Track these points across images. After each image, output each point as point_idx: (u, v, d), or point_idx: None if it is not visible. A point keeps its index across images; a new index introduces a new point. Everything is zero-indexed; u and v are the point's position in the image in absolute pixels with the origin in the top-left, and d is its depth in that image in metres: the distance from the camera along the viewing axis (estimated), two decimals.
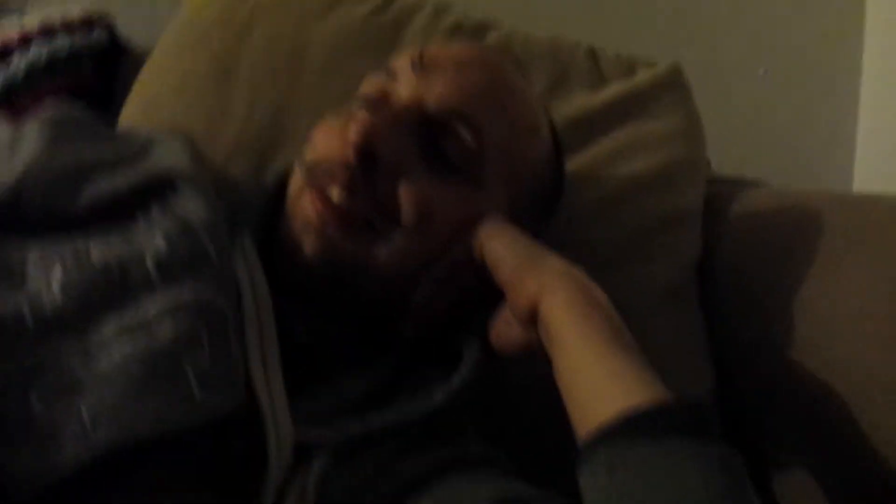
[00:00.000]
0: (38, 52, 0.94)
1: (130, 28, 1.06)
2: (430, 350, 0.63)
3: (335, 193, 0.57)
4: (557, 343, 0.51)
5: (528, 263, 0.55)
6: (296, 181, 0.62)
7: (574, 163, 0.79)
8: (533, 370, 0.57)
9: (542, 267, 0.54)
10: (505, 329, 0.58)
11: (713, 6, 1.32)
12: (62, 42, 0.96)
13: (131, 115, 0.84)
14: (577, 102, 0.85)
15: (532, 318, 0.54)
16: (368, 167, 0.57)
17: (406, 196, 0.58)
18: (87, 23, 1.01)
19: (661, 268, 0.75)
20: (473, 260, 0.59)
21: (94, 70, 0.97)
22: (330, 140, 0.60)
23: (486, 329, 0.60)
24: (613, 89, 0.87)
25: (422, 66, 0.62)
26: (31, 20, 0.99)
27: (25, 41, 0.96)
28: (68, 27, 0.99)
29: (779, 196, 0.78)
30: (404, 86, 0.61)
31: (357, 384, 0.59)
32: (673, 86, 0.88)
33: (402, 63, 0.63)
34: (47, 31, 0.97)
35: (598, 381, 0.48)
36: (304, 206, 0.59)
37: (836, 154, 1.32)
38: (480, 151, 0.60)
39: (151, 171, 0.59)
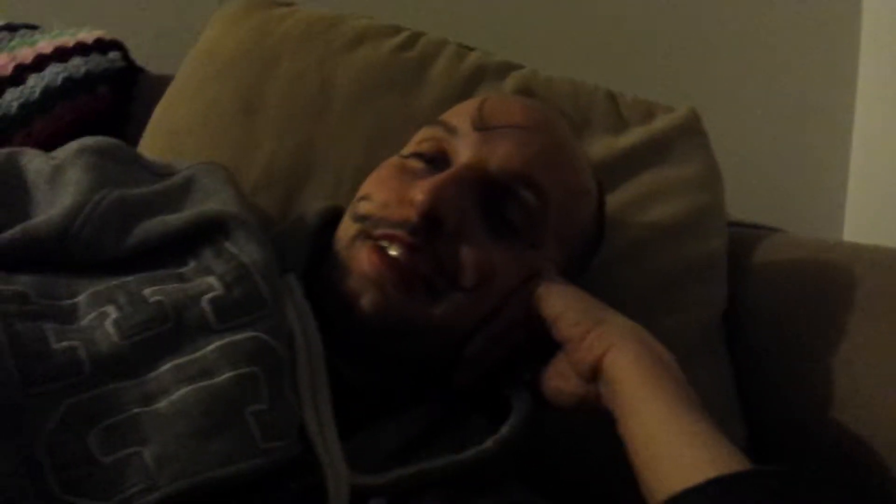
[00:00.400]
0: (53, 73, 0.93)
1: (140, 51, 1.06)
2: (477, 397, 0.63)
3: (396, 250, 0.57)
4: (626, 401, 0.52)
5: (590, 320, 0.56)
6: (347, 230, 0.61)
7: None
8: (576, 420, 0.57)
9: (606, 324, 0.55)
10: (560, 382, 0.59)
11: (713, 50, 1.34)
12: (77, 64, 0.95)
13: (155, 143, 0.83)
14: (599, 147, 0.86)
15: (594, 374, 0.54)
16: (432, 229, 0.57)
17: (467, 259, 0.58)
18: (101, 45, 1.00)
19: (690, 317, 0.76)
20: (528, 315, 0.60)
21: (110, 92, 0.97)
22: (388, 195, 0.60)
23: (538, 380, 0.61)
24: (634, 134, 0.88)
25: (483, 125, 0.62)
26: (45, 42, 0.98)
27: (40, 63, 0.94)
28: (83, 49, 0.98)
29: (803, 245, 0.80)
30: (466, 146, 0.62)
31: (405, 428, 0.59)
32: (692, 131, 0.89)
33: (461, 120, 0.63)
34: (62, 53, 0.96)
35: (676, 445, 0.48)
36: (360, 259, 0.58)
37: (825, 199, 1.36)
38: (542, 214, 0.61)
39: (204, 213, 0.59)
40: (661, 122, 0.89)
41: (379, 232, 0.58)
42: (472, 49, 0.94)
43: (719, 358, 0.78)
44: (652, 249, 0.79)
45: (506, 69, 0.92)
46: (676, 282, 0.78)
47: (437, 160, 0.62)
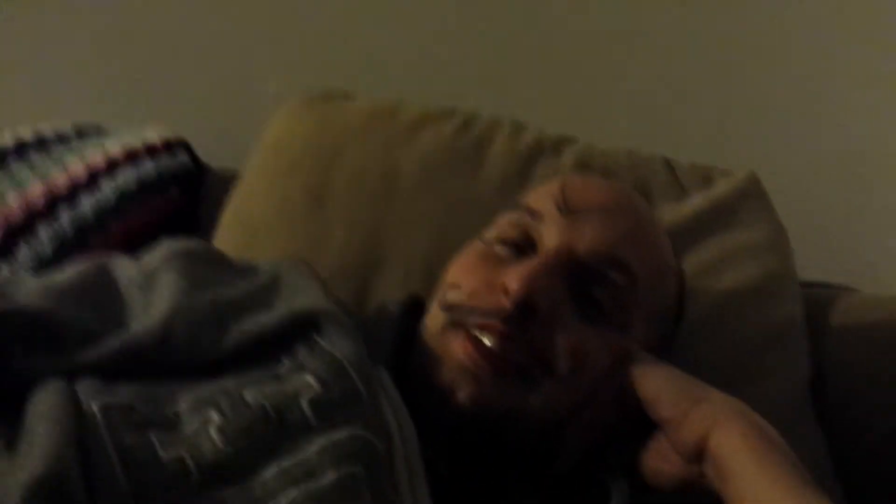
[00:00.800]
0: (126, 177, 0.96)
1: (200, 148, 1.09)
2: (574, 484, 0.63)
3: (490, 339, 0.58)
4: (738, 483, 0.51)
5: (689, 399, 0.56)
6: (436, 320, 0.62)
7: None
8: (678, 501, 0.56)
9: (707, 402, 0.55)
10: (661, 464, 0.59)
11: (767, 109, 1.34)
12: (148, 166, 0.98)
13: (231, 241, 0.86)
14: (662, 216, 0.87)
15: (699, 455, 0.54)
16: (526, 317, 0.58)
17: (561, 345, 0.58)
18: (169, 146, 1.03)
19: (774, 385, 0.76)
20: (622, 397, 0.60)
21: (180, 192, 0.99)
22: (477, 283, 0.61)
23: (636, 462, 0.60)
24: (696, 202, 0.88)
25: (567, 209, 0.63)
26: (113, 146, 1.01)
27: (112, 167, 0.97)
28: (151, 151, 1.01)
29: (880, 303, 0.79)
30: (552, 231, 0.62)
31: None
32: (753, 195, 0.90)
33: (545, 205, 0.64)
34: (132, 156, 0.99)
35: None
36: (454, 349, 0.59)
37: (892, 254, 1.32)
38: (631, 294, 0.62)
39: (296, 311, 0.60)
40: (721, 188, 0.90)
41: (471, 321, 0.59)
42: (526, 126, 0.96)
43: (810, 426, 0.77)
44: (727, 318, 0.79)
45: (561, 143, 0.94)
46: (757, 350, 0.77)
47: (523, 245, 0.63)
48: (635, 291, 0.62)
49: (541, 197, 0.66)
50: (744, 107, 1.31)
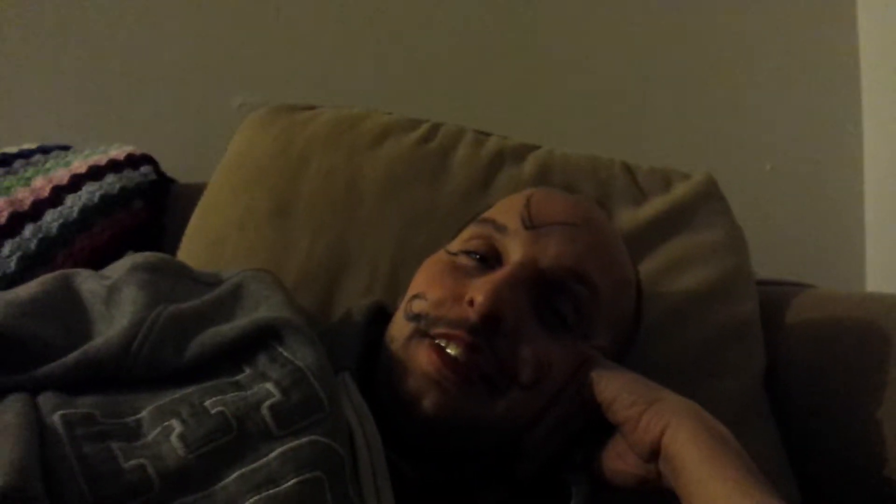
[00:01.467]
0: (90, 192, 0.96)
1: (167, 162, 1.10)
2: (537, 485, 0.64)
3: (455, 350, 0.58)
4: (688, 478, 0.52)
5: (644, 400, 0.58)
6: (401, 329, 0.63)
7: None
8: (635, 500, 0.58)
9: (661, 402, 0.57)
10: (619, 464, 0.60)
11: (715, 107, 1.37)
12: (111, 181, 0.99)
13: (194, 252, 0.86)
14: (622, 220, 0.89)
15: (654, 453, 0.55)
16: (491, 328, 0.59)
17: (526, 356, 0.60)
18: (133, 160, 1.04)
19: (731, 383, 0.77)
20: (582, 402, 0.61)
21: (144, 205, 1.00)
22: (442, 293, 0.62)
23: (596, 463, 0.62)
24: (655, 204, 0.90)
25: (532, 224, 0.64)
26: (79, 162, 1.02)
27: (76, 183, 0.98)
28: (115, 166, 1.01)
29: (834, 299, 0.81)
30: (517, 245, 0.64)
31: None
32: (710, 196, 0.92)
33: (509, 218, 0.65)
34: (96, 172, 0.99)
35: None
36: (419, 358, 0.60)
37: (845, 249, 1.36)
38: (593, 305, 0.63)
39: (257, 321, 0.60)
40: (679, 190, 0.92)
41: (436, 331, 0.60)
42: (489, 134, 0.98)
43: (765, 419, 0.79)
44: (686, 317, 0.80)
45: (524, 151, 0.96)
46: (715, 347, 0.79)
47: (488, 258, 0.64)
48: (597, 302, 0.64)
49: (506, 210, 0.67)
50: (701, 111, 1.34)
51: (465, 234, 0.68)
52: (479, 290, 0.59)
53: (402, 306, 0.65)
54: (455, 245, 0.68)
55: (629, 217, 0.89)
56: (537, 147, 0.97)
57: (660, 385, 0.59)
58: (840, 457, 0.71)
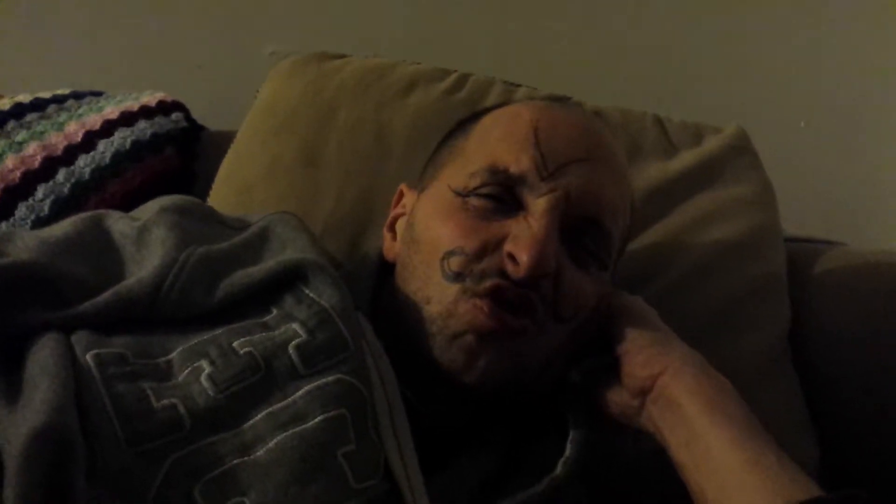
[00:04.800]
0: (122, 138, 0.97)
1: (198, 110, 1.11)
2: (538, 418, 0.66)
3: (505, 300, 0.59)
4: (687, 427, 0.54)
5: (649, 339, 0.60)
6: (443, 294, 0.61)
7: (657, 233, 0.82)
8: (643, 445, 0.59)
9: (666, 346, 0.58)
10: (611, 394, 0.62)
11: (750, 63, 1.35)
12: (143, 127, 1.00)
13: (223, 199, 0.87)
14: (652, 173, 0.88)
15: (643, 391, 0.57)
16: (537, 279, 0.60)
17: (566, 292, 0.61)
18: (164, 107, 1.05)
19: (756, 337, 0.77)
20: (596, 330, 0.64)
21: (175, 152, 1.01)
22: (478, 245, 0.61)
23: (593, 394, 0.64)
24: (685, 157, 0.89)
25: (548, 173, 0.63)
26: (111, 108, 1.03)
27: (108, 128, 0.99)
28: (147, 112, 1.02)
29: (864, 258, 0.80)
30: (537, 194, 0.62)
31: (480, 461, 0.61)
32: (741, 150, 0.91)
33: (523, 165, 0.63)
34: (128, 118, 1.01)
35: (738, 470, 0.50)
36: (475, 318, 0.59)
37: (879, 208, 1.34)
38: (613, 239, 0.65)
39: (284, 263, 0.61)
40: (710, 144, 0.91)
41: (485, 286, 0.60)
42: (518, 85, 0.97)
43: (788, 376, 0.78)
44: (713, 272, 0.80)
45: (554, 101, 0.94)
46: (740, 302, 0.79)
47: (503, 199, 0.63)
48: (615, 234, 0.65)
49: (511, 148, 0.64)
50: (734, 64, 1.32)
51: (468, 170, 0.65)
52: (522, 249, 0.59)
53: (439, 267, 0.62)
54: (457, 181, 0.65)
55: (659, 170, 0.88)
56: (568, 98, 0.96)
57: (674, 334, 0.61)
58: (864, 414, 0.71)
